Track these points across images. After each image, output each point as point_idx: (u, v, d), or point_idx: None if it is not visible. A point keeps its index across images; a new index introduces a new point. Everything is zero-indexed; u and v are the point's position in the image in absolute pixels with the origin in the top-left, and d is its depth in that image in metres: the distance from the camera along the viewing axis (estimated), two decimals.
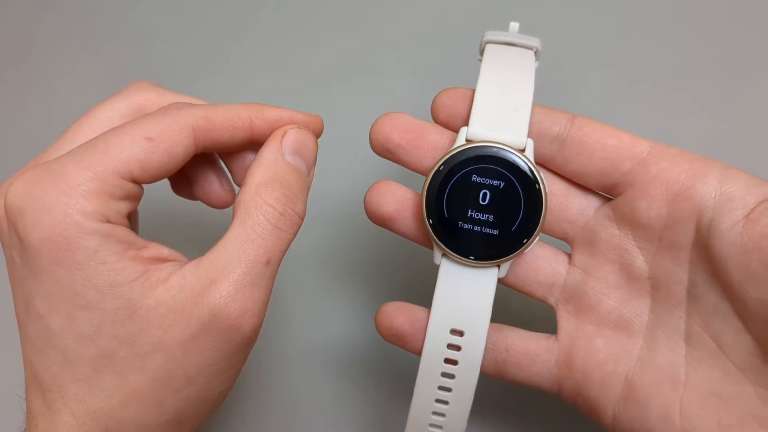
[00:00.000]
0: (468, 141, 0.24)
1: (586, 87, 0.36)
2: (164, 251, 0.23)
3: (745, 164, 0.23)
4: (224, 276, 0.21)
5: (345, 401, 0.33)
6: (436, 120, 0.26)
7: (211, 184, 0.27)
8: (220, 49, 0.39)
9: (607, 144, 0.24)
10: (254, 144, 0.25)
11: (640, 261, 0.24)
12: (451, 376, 0.25)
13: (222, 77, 0.39)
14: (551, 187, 0.25)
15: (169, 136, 0.22)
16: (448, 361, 0.24)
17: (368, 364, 0.33)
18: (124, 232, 0.22)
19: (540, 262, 0.25)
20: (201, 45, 0.39)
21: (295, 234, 0.23)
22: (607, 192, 0.25)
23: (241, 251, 0.22)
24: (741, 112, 0.35)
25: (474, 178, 0.24)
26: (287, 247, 0.23)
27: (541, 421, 0.31)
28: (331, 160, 0.36)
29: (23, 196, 0.21)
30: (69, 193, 0.21)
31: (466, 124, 0.24)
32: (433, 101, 0.25)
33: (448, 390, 0.25)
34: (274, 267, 0.22)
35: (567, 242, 0.26)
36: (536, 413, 0.31)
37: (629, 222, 0.24)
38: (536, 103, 0.24)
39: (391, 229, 0.26)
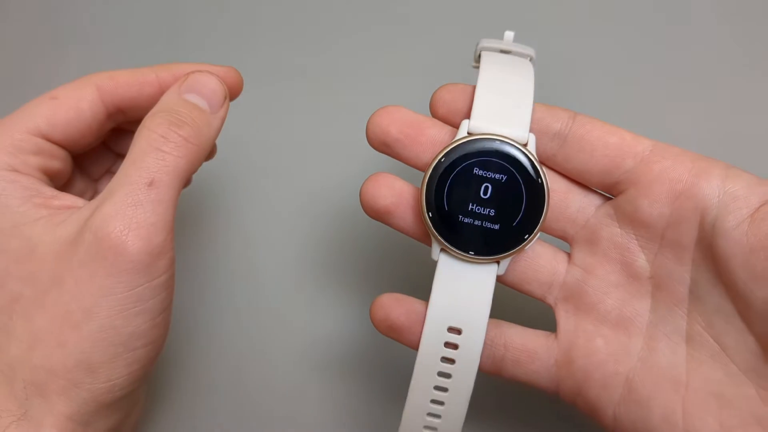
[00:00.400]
0: (470, 134, 0.23)
1: (586, 87, 0.36)
2: (78, 202, 0.23)
3: (746, 165, 0.23)
4: (106, 199, 0.22)
5: (338, 398, 0.32)
6: (435, 115, 0.25)
7: None
8: (221, 49, 0.39)
9: (609, 142, 0.23)
10: None
11: (641, 260, 0.24)
12: (448, 376, 0.24)
13: None
14: (552, 185, 0.24)
15: (71, 93, 0.24)
16: (444, 359, 0.24)
17: (362, 360, 0.33)
18: (32, 182, 0.23)
19: (539, 260, 0.25)
20: (202, 45, 0.39)
21: (184, 157, 0.23)
22: (608, 190, 0.24)
23: (123, 175, 0.22)
24: (742, 111, 0.35)
25: (476, 171, 0.23)
26: (176, 170, 0.23)
27: (539, 424, 0.31)
28: (329, 159, 0.36)
29: None
30: None
31: (467, 118, 0.24)
32: (432, 96, 0.25)
33: (445, 390, 0.24)
34: (162, 189, 0.22)
35: (566, 241, 0.25)
36: (535, 415, 0.30)
37: (631, 220, 0.23)
38: (536, 101, 0.24)
39: (387, 224, 0.25)
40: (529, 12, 0.36)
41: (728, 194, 0.22)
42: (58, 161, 0.25)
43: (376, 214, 0.25)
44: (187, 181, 0.25)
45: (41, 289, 0.21)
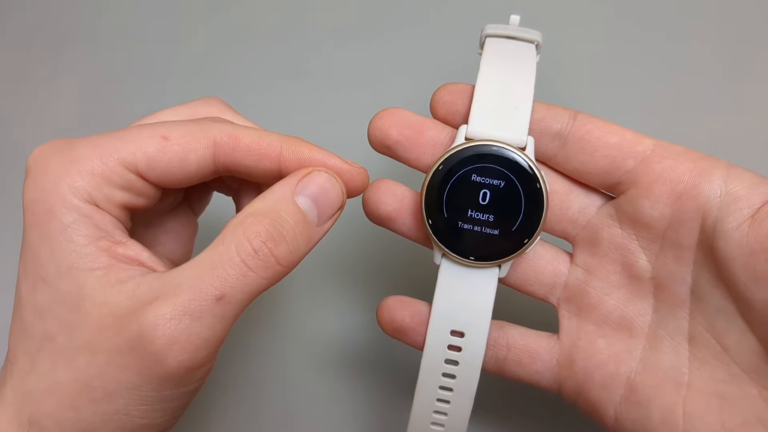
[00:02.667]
0: (468, 139, 0.23)
1: (589, 83, 0.35)
2: (143, 255, 0.21)
3: (747, 164, 0.22)
4: (168, 297, 0.19)
5: (346, 399, 0.33)
6: (436, 116, 0.25)
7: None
8: (222, 49, 0.39)
9: (609, 142, 0.23)
10: (280, 179, 0.23)
11: (642, 261, 0.23)
12: (452, 376, 0.24)
13: (226, 77, 0.39)
14: (552, 186, 0.24)
15: (185, 141, 0.22)
16: (448, 361, 0.24)
17: (370, 361, 0.33)
18: (106, 220, 0.21)
19: (541, 261, 0.25)
20: (203, 45, 0.39)
21: (267, 279, 0.20)
22: (609, 190, 0.24)
23: (196, 277, 0.20)
24: (743, 111, 0.34)
25: (474, 177, 0.23)
26: (253, 291, 0.20)
27: (544, 420, 0.31)
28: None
29: (36, 157, 0.21)
30: (68, 166, 0.21)
31: (466, 121, 0.24)
32: (433, 97, 0.25)
33: (449, 390, 0.25)
34: (229, 307, 0.20)
35: (568, 241, 0.25)
36: (539, 411, 0.31)
37: (632, 221, 0.23)
38: (538, 99, 0.24)
39: (390, 229, 0.25)
40: (531, 10, 0.36)
41: (729, 195, 0.21)
42: (144, 199, 0.22)
43: (378, 220, 0.25)
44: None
45: (73, 344, 0.20)
